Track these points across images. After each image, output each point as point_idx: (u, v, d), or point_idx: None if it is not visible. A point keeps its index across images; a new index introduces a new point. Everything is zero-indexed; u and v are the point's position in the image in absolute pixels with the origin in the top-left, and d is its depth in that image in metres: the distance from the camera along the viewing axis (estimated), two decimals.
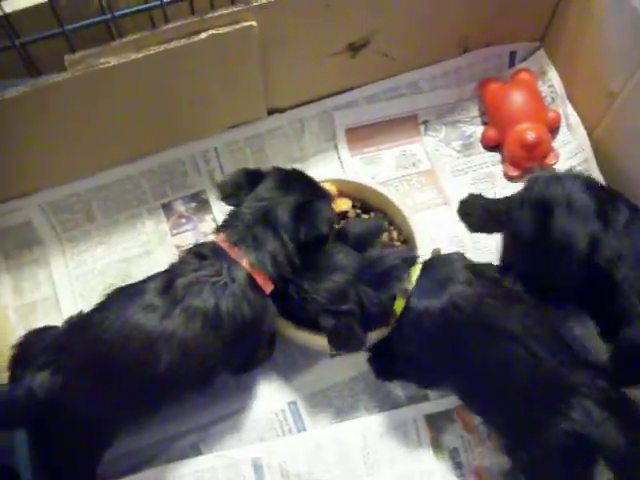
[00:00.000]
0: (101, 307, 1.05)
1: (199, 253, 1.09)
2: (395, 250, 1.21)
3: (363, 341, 1.10)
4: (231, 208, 1.15)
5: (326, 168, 1.47)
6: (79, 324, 1.06)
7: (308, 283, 1.10)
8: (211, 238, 1.12)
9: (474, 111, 1.56)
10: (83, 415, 1.01)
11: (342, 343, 1.11)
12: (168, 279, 1.05)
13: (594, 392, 1.03)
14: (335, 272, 1.10)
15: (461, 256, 1.17)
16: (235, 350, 1.10)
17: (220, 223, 1.15)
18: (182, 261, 1.09)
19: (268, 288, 1.09)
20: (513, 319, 1.07)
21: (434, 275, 1.12)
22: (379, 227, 1.22)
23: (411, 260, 1.14)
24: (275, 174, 1.15)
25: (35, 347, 1.04)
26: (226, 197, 1.14)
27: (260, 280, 1.07)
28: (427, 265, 1.14)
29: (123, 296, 1.05)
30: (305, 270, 1.12)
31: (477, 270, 1.13)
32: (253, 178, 1.14)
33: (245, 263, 1.06)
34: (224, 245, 1.08)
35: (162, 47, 1.18)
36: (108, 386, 1.00)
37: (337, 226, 1.22)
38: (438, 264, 1.14)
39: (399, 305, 1.10)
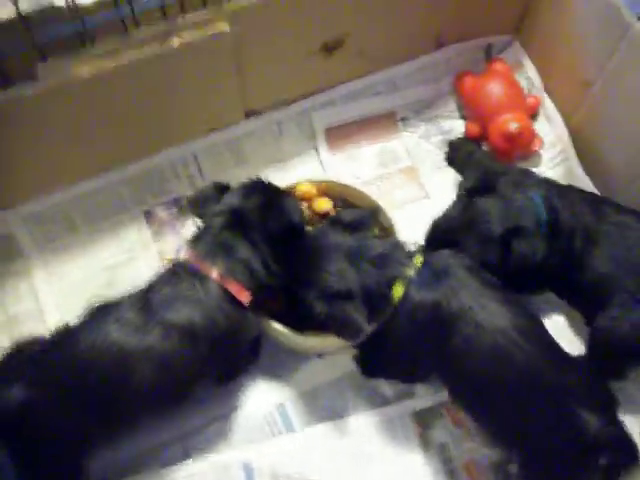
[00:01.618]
0: (79, 324, 1.06)
1: (173, 272, 1.09)
2: (392, 238, 1.21)
3: (361, 326, 1.07)
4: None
5: (306, 168, 1.47)
6: (57, 339, 1.06)
7: (302, 277, 1.09)
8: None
9: (452, 106, 1.57)
10: (57, 429, 1.02)
11: (339, 330, 1.09)
12: (144, 295, 1.06)
13: (586, 395, 1.04)
14: (330, 253, 1.09)
15: (458, 254, 1.16)
16: (214, 362, 1.11)
17: (190, 239, 1.14)
18: (157, 279, 1.10)
19: (244, 297, 1.08)
20: (502, 315, 1.07)
21: (433, 268, 1.11)
22: (372, 214, 1.21)
23: (410, 250, 1.14)
24: (238, 185, 1.16)
25: (14, 360, 1.05)
26: (195, 209, 1.16)
27: (234, 290, 1.07)
28: (427, 258, 1.13)
29: (100, 313, 1.06)
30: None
31: (472, 268, 1.13)
32: (223, 191, 1.15)
33: (216, 275, 1.06)
34: (194, 261, 1.08)
35: (136, 55, 1.18)
36: (82, 401, 1.01)
37: (319, 225, 1.22)
38: (438, 258, 1.13)
39: (397, 292, 1.09)
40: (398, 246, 1.14)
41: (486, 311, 1.07)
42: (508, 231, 1.16)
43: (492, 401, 1.10)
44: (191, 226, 1.40)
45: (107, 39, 1.19)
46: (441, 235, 1.23)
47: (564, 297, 1.29)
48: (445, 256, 1.14)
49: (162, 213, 1.43)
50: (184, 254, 1.11)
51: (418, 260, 1.12)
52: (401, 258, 1.11)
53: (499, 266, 1.16)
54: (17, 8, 1.10)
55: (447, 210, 1.25)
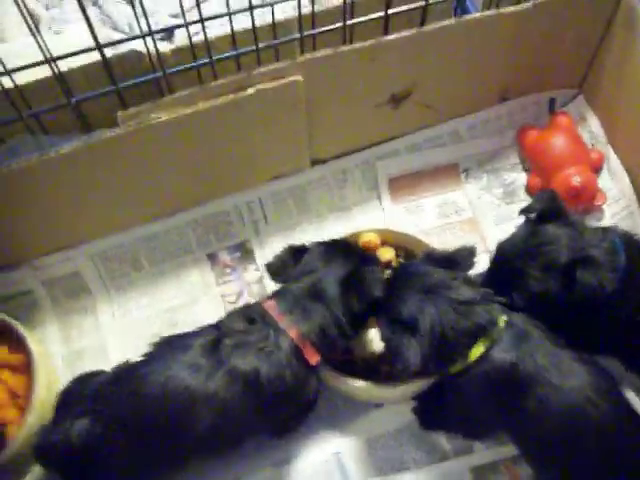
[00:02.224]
0: (146, 360, 1.07)
1: (248, 316, 1.10)
2: (484, 290, 1.14)
3: (409, 362, 1.03)
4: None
5: (368, 217, 1.48)
6: (123, 374, 1.07)
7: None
8: (256, 289, 1.13)
9: (514, 158, 1.57)
10: (117, 466, 1.02)
11: (392, 355, 1.06)
12: (215, 338, 1.06)
13: None
14: (414, 284, 1.07)
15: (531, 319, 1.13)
16: (272, 415, 1.11)
17: (271, 293, 1.15)
18: (230, 320, 1.11)
19: (314, 359, 1.09)
20: (577, 374, 1.05)
21: (514, 331, 1.08)
22: (470, 253, 1.15)
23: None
24: (316, 247, 1.16)
25: (79, 393, 1.06)
26: (275, 275, 1.16)
27: (307, 351, 1.08)
28: (508, 322, 1.10)
29: (169, 350, 1.06)
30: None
31: (544, 329, 1.11)
32: (298, 254, 1.16)
33: (292, 333, 1.07)
34: (273, 312, 1.09)
35: (211, 102, 1.21)
36: (144, 440, 1.01)
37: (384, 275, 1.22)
38: (518, 321, 1.10)
39: (477, 350, 1.06)
40: (486, 298, 1.10)
41: (561, 370, 1.05)
42: (575, 259, 1.10)
43: (567, 461, 1.07)
44: (253, 271, 1.43)
45: (184, 88, 1.22)
46: (504, 259, 1.18)
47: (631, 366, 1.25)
48: (520, 317, 1.11)
49: (225, 257, 1.45)
50: (261, 302, 1.12)
51: (502, 320, 1.08)
52: (487, 314, 1.07)
53: (561, 298, 1.11)
54: (102, 53, 1.14)
55: (513, 234, 1.20)
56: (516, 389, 1.06)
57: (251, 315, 1.09)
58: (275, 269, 1.16)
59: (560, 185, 1.44)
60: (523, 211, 1.21)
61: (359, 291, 1.09)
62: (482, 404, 1.11)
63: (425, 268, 1.11)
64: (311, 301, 1.09)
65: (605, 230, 1.18)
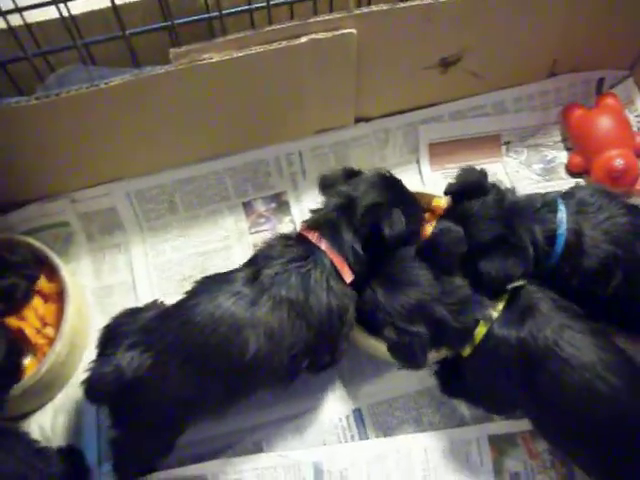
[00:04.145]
0: (191, 294, 1.07)
1: (285, 236, 1.12)
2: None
3: (421, 363, 1.08)
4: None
5: (406, 180, 1.44)
6: (169, 310, 1.07)
7: (382, 293, 1.10)
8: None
9: (557, 136, 1.55)
10: (167, 397, 1.02)
11: (400, 359, 1.10)
12: (255, 270, 1.07)
13: None
14: (411, 287, 1.09)
15: (544, 290, 1.14)
16: (319, 340, 1.09)
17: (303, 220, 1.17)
18: (268, 246, 1.12)
19: (348, 277, 1.09)
20: (588, 350, 1.05)
21: (518, 306, 1.10)
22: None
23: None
24: (370, 176, 1.16)
25: (125, 327, 1.06)
26: (324, 188, 1.17)
27: (339, 265, 1.08)
28: (513, 295, 1.12)
29: (213, 284, 1.07)
30: (373, 276, 1.12)
31: (556, 300, 1.12)
32: (353, 176, 1.17)
33: (323, 246, 1.08)
34: (305, 231, 1.11)
35: (263, 47, 1.20)
36: (195, 369, 1.01)
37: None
38: (523, 295, 1.12)
39: (480, 331, 1.09)
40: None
41: (572, 346, 1.05)
42: (477, 250, 1.11)
43: (579, 436, 1.08)
44: (288, 223, 1.44)
45: (237, 32, 1.21)
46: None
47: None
48: (531, 292, 1.12)
49: (261, 207, 1.45)
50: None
51: (503, 298, 1.11)
52: (484, 299, 1.10)
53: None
54: None
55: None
56: (527, 364, 1.07)
57: (287, 237, 1.11)
58: (326, 182, 1.17)
59: (602, 166, 1.43)
60: (446, 192, 1.22)
61: (374, 224, 1.09)
62: (498, 381, 1.12)
63: (417, 269, 1.10)
64: (337, 217, 1.10)
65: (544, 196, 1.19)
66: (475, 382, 1.18)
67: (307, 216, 1.16)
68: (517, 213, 1.14)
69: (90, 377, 1.01)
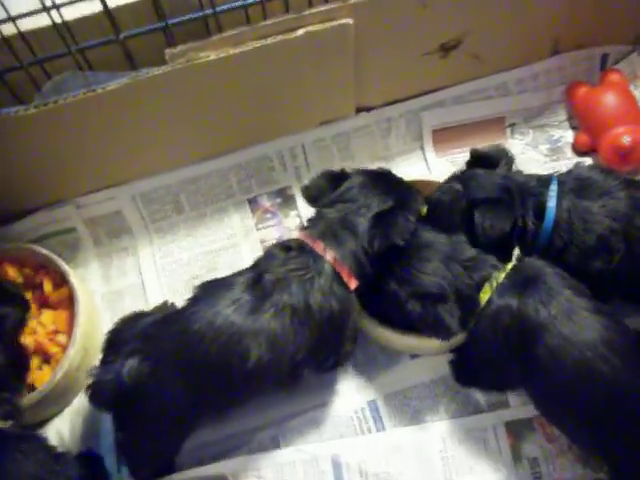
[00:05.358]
0: (191, 301, 1.07)
1: (285, 246, 1.10)
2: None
3: (453, 327, 1.07)
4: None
5: (411, 168, 1.46)
6: (170, 316, 1.08)
7: (400, 266, 1.10)
8: (296, 234, 1.13)
9: (562, 115, 1.53)
10: (167, 404, 1.03)
11: (431, 330, 1.09)
12: (256, 274, 1.06)
13: None
14: (424, 252, 1.10)
15: (550, 264, 1.14)
16: (322, 345, 1.10)
17: (304, 223, 1.16)
18: (268, 255, 1.11)
19: (352, 284, 1.09)
20: (591, 328, 1.04)
21: (523, 274, 1.10)
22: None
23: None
24: (358, 176, 1.15)
25: (127, 333, 1.07)
26: (310, 200, 1.16)
27: (344, 275, 1.07)
28: (517, 266, 1.12)
29: (212, 290, 1.06)
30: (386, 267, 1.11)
31: (564, 276, 1.11)
32: (336, 180, 1.15)
33: (329, 257, 1.07)
34: (308, 240, 1.09)
35: (259, 43, 1.20)
36: (194, 377, 1.01)
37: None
38: (530, 264, 1.12)
39: (485, 293, 1.09)
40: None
41: (575, 323, 1.04)
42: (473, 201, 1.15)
43: (577, 416, 1.07)
44: (294, 217, 1.43)
45: (231, 29, 1.20)
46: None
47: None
48: (538, 263, 1.12)
49: (266, 202, 1.45)
50: (297, 234, 1.12)
51: (510, 265, 1.11)
52: (492, 261, 1.11)
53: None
54: None
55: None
56: (525, 336, 1.06)
57: (288, 245, 1.10)
58: (311, 193, 1.16)
59: (609, 144, 1.42)
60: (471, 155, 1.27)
61: (383, 235, 1.08)
62: (497, 351, 1.11)
63: (430, 236, 1.12)
64: (342, 230, 1.09)
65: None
66: (477, 354, 1.17)
67: (312, 211, 1.15)
68: (515, 184, 1.17)
69: (92, 385, 1.02)
